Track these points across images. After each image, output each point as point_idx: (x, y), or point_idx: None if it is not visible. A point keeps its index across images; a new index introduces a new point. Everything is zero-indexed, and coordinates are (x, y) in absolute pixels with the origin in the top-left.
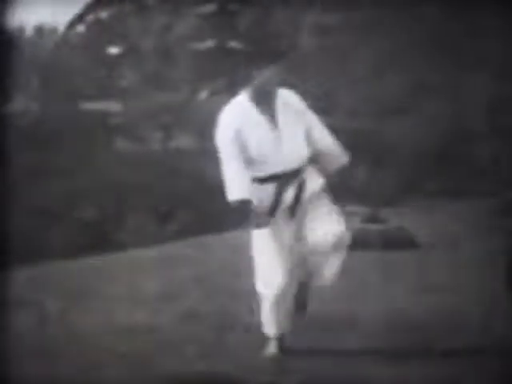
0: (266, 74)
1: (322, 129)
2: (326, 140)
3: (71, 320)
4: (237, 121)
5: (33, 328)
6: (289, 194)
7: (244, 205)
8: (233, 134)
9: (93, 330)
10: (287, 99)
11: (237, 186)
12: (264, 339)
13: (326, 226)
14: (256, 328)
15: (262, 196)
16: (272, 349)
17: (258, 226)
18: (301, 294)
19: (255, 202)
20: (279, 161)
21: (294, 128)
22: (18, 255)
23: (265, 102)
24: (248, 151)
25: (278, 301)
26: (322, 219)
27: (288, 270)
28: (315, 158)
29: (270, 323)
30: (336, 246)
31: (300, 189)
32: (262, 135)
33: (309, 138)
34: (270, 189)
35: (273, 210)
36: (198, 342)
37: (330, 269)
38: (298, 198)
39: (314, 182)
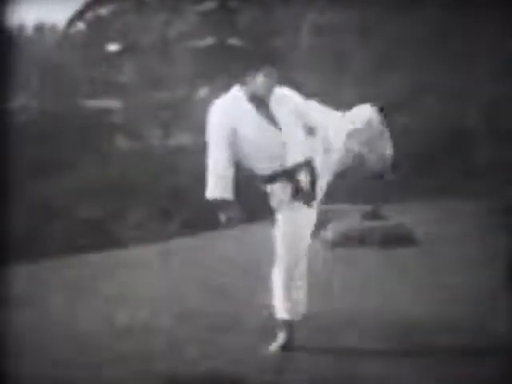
0: (259, 79)
1: (320, 108)
2: (330, 113)
3: (71, 318)
4: (232, 115)
5: (32, 326)
6: (303, 182)
7: (224, 204)
8: (227, 128)
9: (93, 328)
10: (280, 96)
11: (222, 184)
12: (264, 339)
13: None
14: (256, 328)
15: (281, 192)
16: (279, 343)
17: (227, 223)
18: None
19: (275, 201)
20: (282, 157)
21: (290, 123)
22: (18, 252)
23: (260, 100)
24: (246, 149)
25: (290, 284)
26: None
27: (303, 256)
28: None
29: (281, 308)
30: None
31: (312, 176)
32: (260, 133)
33: (310, 125)
34: (285, 185)
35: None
36: (198, 342)
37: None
38: (313, 183)
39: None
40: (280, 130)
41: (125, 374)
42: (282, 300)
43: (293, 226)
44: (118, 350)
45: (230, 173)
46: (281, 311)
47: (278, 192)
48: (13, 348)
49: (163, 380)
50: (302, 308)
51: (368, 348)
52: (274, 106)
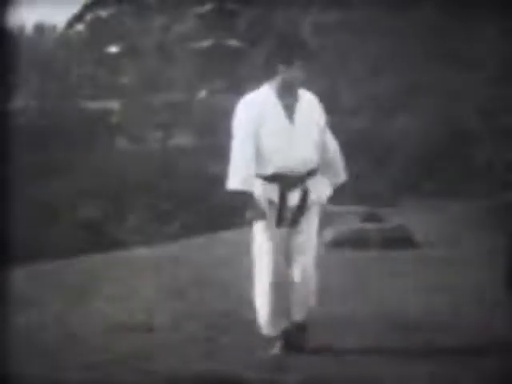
0: (293, 70)
1: (333, 141)
2: (335, 153)
3: (71, 319)
4: (257, 108)
5: (33, 327)
6: (292, 200)
7: (242, 196)
8: (251, 119)
9: (93, 329)
10: (308, 102)
11: (240, 175)
12: (265, 339)
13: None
14: (256, 328)
15: (267, 196)
16: (276, 350)
17: (253, 218)
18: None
19: (262, 200)
20: (287, 159)
21: (309, 131)
22: (19, 254)
23: (288, 98)
24: (260, 142)
25: (272, 295)
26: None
27: (281, 266)
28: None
29: (265, 323)
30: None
31: (304, 198)
32: (278, 129)
33: (322, 145)
34: (274, 190)
35: (279, 213)
36: (198, 342)
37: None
38: (301, 209)
39: (318, 193)
40: (296, 131)
41: (125, 374)
42: (267, 317)
43: (273, 236)
44: (118, 351)
45: (252, 165)
46: (266, 328)
47: (267, 197)
48: (14, 349)
49: (163, 380)
50: (285, 320)
51: (367, 349)
52: (298, 107)
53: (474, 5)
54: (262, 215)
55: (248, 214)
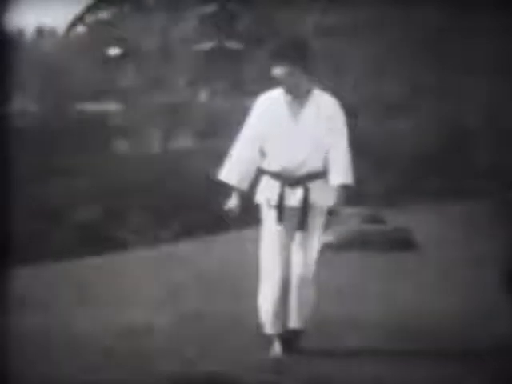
0: (273, 68)
1: (343, 143)
2: (340, 153)
3: (71, 320)
4: (266, 106)
5: (33, 328)
6: (292, 200)
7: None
8: (258, 116)
9: (93, 330)
10: (320, 104)
11: (233, 169)
12: (265, 340)
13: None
14: (257, 328)
15: (269, 192)
16: (276, 350)
17: (228, 210)
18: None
19: (264, 198)
20: (289, 159)
21: (313, 133)
22: (19, 255)
23: (295, 98)
24: (265, 140)
25: (279, 292)
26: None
27: (285, 266)
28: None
29: (269, 322)
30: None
31: (305, 199)
32: (281, 129)
33: (328, 148)
34: (275, 187)
35: (278, 209)
36: (198, 342)
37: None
38: (303, 210)
39: (319, 196)
40: (300, 132)
41: (125, 375)
42: (270, 316)
43: (279, 236)
44: (118, 351)
45: (247, 162)
46: (268, 326)
47: (268, 193)
48: (14, 349)
49: (163, 380)
50: (287, 320)
51: (368, 350)
52: (307, 108)
53: (474, 6)
54: (235, 209)
55: (225, 206)
